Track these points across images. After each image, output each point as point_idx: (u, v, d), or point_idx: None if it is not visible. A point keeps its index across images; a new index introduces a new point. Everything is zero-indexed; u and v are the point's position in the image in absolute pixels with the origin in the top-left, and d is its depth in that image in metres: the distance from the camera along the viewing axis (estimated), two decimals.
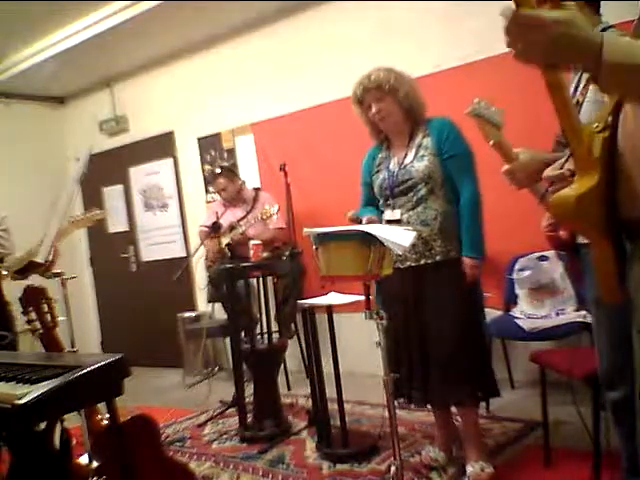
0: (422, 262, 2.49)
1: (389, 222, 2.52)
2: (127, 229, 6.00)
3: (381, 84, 2.49)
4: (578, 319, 3.11)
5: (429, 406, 2.69)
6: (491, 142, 1.57)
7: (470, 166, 2.48)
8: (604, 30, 1.77)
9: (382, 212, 2.61)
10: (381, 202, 2.63)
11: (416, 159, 2.51)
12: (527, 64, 0.98)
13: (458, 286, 2.44)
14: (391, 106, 2.51)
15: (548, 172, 1.39)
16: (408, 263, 2.50)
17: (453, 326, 2.43)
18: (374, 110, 2.53)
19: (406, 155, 2.55)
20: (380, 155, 2.67)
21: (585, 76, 1.59)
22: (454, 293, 2.45)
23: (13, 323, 2.79)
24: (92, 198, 6.12)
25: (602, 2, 1.87)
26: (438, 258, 2.48)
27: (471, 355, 2.46)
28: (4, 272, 2.78)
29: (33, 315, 2.41)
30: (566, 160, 1.31)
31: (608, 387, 1.83)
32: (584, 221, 1.10)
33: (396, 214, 2.53)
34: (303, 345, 4.09)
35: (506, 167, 1.57)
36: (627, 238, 1.12)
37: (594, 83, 1.00)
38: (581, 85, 1.73)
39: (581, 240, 1.84)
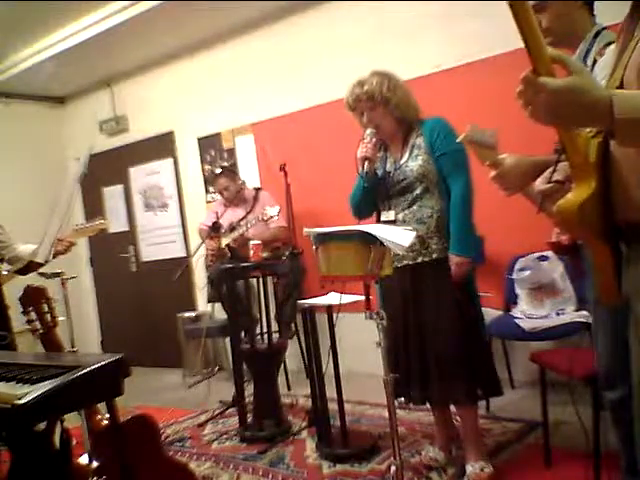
0: (419, 260, 2.49)
1: (385, 223, 2.52)
2: (127, 229, 5.99)
3: (373, 95, 2.49)
4: (578, 319, 3.11)
5: (428, 405, 2.69)
6: (487, 163, 1.58)
7: (461, 163, 2.46)
8: (598, 32, 1.77)
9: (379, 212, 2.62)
10: (378, 202, 2.63)
11: (411, 159, 2.52)
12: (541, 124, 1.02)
13: (455, 284, 2.44)
14: (383, 115, 2.52)
15: (539, 186, 1.39)
16: (405, 262, 2.50)
17: (451, 324, 2.43)
18: (366, 120, 2.54)
19: (401, 156, 2.56)
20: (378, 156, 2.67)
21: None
22: (452, 291, 2.45)
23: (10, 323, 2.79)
24: (92, 198, 6.14)
25: (600, 2, 1.87)
26: (435, 256, 2.48)
27: (470, 353, 2.45)
28: (4, 272, 2.78)
29: (33, 315, 2.41)
30: (553, 170, 1.32)
31: (606, 387, 1.83)
32: (585, 227, 1.11)
33: (390, 215, 2.54)
34: (303, 345, 4.09)
35: (494, 173, 1.57)
36: (622, 241, 1.13)
37: (611, 139, 1.03)
38: None
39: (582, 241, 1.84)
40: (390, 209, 2.56)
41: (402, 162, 2.54)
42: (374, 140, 2.52)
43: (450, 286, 2.45)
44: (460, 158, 2.46)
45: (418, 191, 2.49)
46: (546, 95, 0.96)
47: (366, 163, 2.50)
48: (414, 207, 2.50)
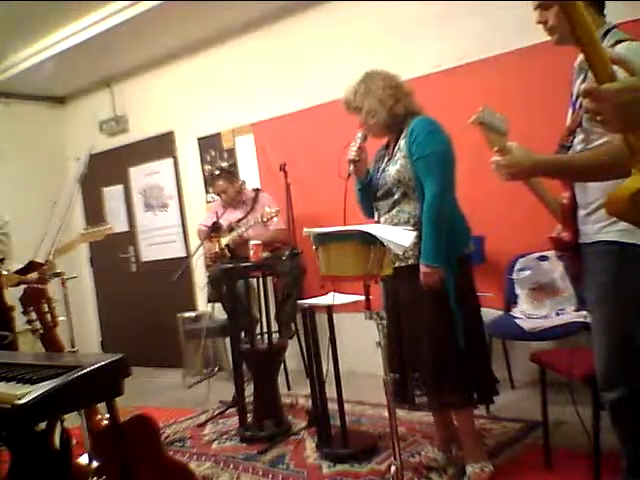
0: (396, 265, 2.46)
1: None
2: (127, 229, 5.99)
3: (349, 104, 2.55)
4: (578, 319, 3.11)
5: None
6: (495, 148, 1.56)
7: (435, 168, 2.40)
8: (608, 31, 1.77)
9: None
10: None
11: (392, 163, 2.51)
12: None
13: (432, 290, 2.38)
14: (364, 120, 2.53)
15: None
16: None
17: (428, 330, 2.41)
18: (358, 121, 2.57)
19: (389, 159, 2.56)
20: (379, 154, 2.68)
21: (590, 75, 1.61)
22: (426, 297, 2.40)
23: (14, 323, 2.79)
24: (92, 198, 6.14)
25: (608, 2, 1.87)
26: (410, 262, 2.45)
27: (450, 359, 2.40)
28: (4, 272, 2.78)
29: (33, 315, 2.40)
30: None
31: (605, 388, 1.83)
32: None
33: (375, 217, 2.55)
34: (303, 345, 4.09)
35: (498, 159, 1.55)
36: None
37: None
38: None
39: (583, 240, 1.84)
40: (377, 210, 2.59)
41: (386, 166, 2.55)
42: (359, 142, 2.54)
43: (425, 293, 2.39)
44: (433, 163, 2.40)
45: (397, 196, 2.49)
46: (608, 100, 0.97)
47: (351, 166, 2.52)
48: (393, 212, 2.50)
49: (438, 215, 2.39)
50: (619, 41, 1.69)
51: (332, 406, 3.09)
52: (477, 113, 1.54)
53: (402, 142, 2.50)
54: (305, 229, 2.16)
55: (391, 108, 2.49)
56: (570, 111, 1.87)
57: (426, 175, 2.41)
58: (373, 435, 3.09)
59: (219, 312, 4.69)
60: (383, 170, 2.55)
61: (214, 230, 4.18)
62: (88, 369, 1.47)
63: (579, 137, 1.79)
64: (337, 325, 3.04)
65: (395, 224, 2.46)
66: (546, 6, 1.82)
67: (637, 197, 1.06)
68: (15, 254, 3.14)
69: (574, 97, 1.81)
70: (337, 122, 4.21)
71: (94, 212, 6.19)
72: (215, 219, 4.34)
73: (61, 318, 2.55)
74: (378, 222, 2.54)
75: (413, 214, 2.46)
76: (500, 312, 3.59)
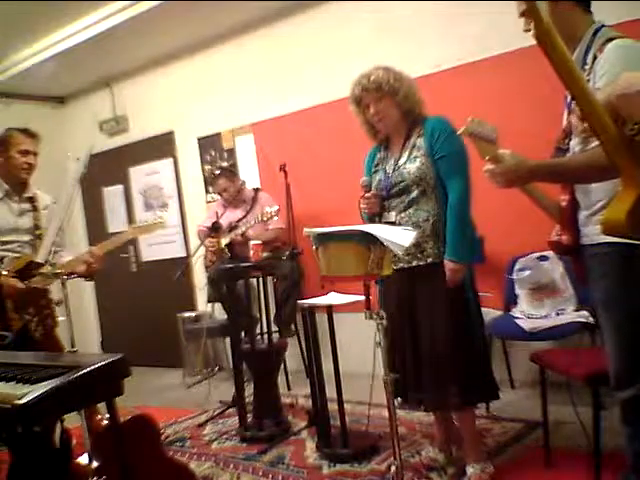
0: (414, 264, 2.47)
1: (385, 224, 2.52)
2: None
3: (380, 85, 2.46)
4: (578, 319, 3.11)
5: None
6: (486, 158, 1.57)
7: (460, 167, 2.42)
8: (597, 30, 1.76)
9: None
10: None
11: (409, 160, 2.49)
12: None
13: (450, 288, 2.40)
14: (390, 107, 2.48)
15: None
16: (401, 264, 2.48)
17: (445, 329, 2.40)
18: (372, 111, 2.51)
19: (400, 156, 2.53)
20: (379, 155, 2.66)
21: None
22: (446, 295, 2.41)
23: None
24: (92, 198, 6.13)
25: (601, 2, 1.87)
26: (430, 260, 2.45)
27: (465, 358, 2.41)
28: (4, 272, 2.78)
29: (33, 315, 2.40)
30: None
31: (618, 387, 1.83)
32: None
33: (391, 216, 2.53)
34: (303, 345, 4.09)
35: (490, 167, 1.55)
36: None
37: None
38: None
39: (585, 242, 1.84)
40: (390, 210, 2.55)
41: (400, 163, 2.51)
42: (365, 194, 2.54)
43: (444, 291, 2.40)
44: (458, 161, 2.42)
45: (414, 194, 2.46)
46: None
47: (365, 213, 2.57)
48: (410, 210, 2.48)
49: (466, 213, 2.42)
50: (609, 39, 1.68)
51: (332, 406, 3.09)
52: (466, 124, 1.55)
53: (418, 140, 2.48)
54: (305, 229, 2.15)
55: (420, 97, 2.52)
56: (565, 113, 1.86)
57: (451, 174, 2.41)
58: (373, 435, 3.09)
59: (219, 312, 4.69)
60: (395, 168, 2.52)
61: (214, 230, 4.19)
62: (88, 369, 1.46)
63: (575, 139, 1.79)
64: (337, 325, 3.04)
65: (413, 223, 2.44)
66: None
67: (633, 211, 1.07)
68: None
69: (569, 98, 1.81)
70: (337, 122, 4.22)
71: (94, 212, 6.20)
72: (215, 219, 4.34)
73: (61, 318, 2.55)
74: (394, 222, 2.52)
75: (432, 213, 2.44)
76: (500, 312, 3.59)
